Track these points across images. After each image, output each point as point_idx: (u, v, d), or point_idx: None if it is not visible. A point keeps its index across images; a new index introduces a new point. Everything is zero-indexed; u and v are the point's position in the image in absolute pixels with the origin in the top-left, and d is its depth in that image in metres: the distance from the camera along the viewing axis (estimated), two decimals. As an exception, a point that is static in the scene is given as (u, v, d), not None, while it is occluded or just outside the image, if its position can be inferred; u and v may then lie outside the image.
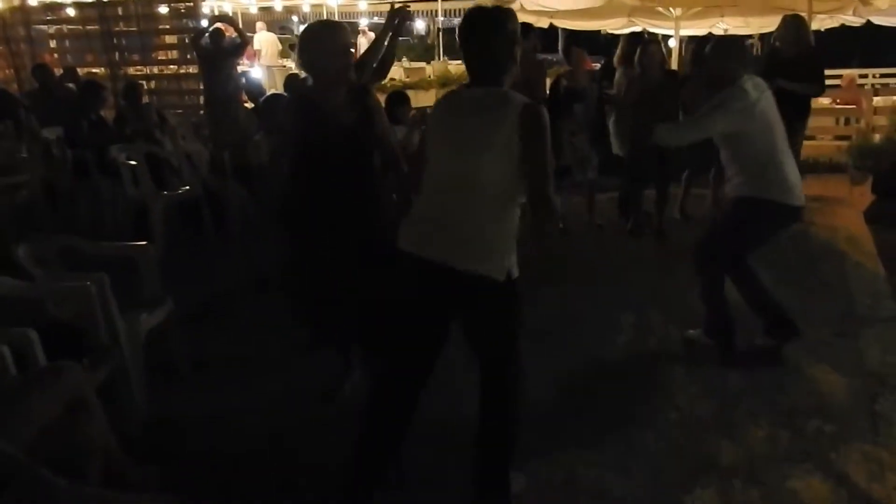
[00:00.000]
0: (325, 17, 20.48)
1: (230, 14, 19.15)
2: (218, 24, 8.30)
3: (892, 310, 4.58)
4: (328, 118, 3.09)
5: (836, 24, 12.26)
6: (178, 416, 3.44)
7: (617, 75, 6.77)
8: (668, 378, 3.76)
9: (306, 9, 21.37)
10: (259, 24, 17.79)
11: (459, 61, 15.98)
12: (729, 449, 3.09)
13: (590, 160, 6.35)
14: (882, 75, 14.96)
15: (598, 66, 9.19)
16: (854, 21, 11.66)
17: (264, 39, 16.29)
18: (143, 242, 3.92)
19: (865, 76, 14.77)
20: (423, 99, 15.89)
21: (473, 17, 2.48)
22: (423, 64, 19.56)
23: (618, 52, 6.86)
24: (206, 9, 15.12)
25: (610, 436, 3.21)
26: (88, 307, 3.26)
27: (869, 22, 11.82)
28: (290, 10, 22.35)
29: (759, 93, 3.73)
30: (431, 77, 17.81)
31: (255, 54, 15.81)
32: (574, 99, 6.19)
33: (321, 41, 3.12)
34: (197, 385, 3.76)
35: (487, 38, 2.41)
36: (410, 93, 16.16)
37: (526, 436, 3.14)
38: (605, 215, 6.75)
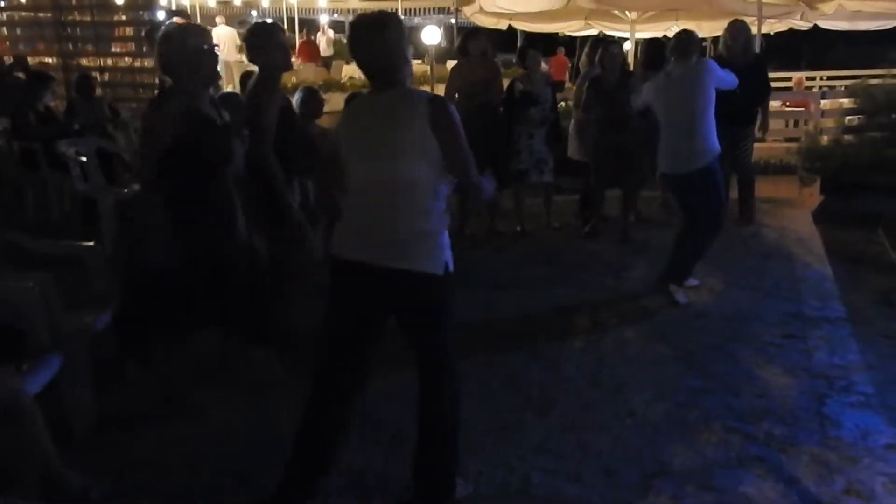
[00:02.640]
0: (283, 13, 20.20)
1: (187, 8, 18.82)
2: (174, 19, 8.06)
3: (839, 311, 4.62)
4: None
5: (784, 28, 12.47)
6: (127, 417, 3.31)
7: (579, 80, 6.74)
8: (622, 381, 3.72)
9: (266, 4, 21.05)
10: (218, 19, 17.43)
11: (419, 61, 16.06)
12: (683, 453, 3.06)
13: (546, 162, 6.32)
14: (829, 77, 15.29)
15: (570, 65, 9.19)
16: (802, 25, 11.87)
17: (223, 34, 15.92)
18: (91, 242, 3.74)
19: (813, 78, 15.08)
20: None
21: (356, 24, 2.54)
22: (382, 62, 19.47)
23: (583, 57, 6.84)
24: (163, 1, 14.80)
25: (565, 441, 3.16)
26: (30, 308, 3.09)
27: (816, 26, 12.03)
28: (249, 5, 21.98)
29: None
30: (391, 75, 17.74)
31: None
32: (529, 102, 6.16)
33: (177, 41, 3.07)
34: (147, 385, 3.60)
35: (374, 42, 2.45)
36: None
37: (481, 441, 3.11)
38: (561, 217, 6.73)
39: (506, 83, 6.44)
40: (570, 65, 17.53)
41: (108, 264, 3.76)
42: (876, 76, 10.53)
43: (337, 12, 24.84)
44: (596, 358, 4.01)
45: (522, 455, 3.04)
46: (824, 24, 12.49)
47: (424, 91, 2.46)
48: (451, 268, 2.51)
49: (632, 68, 10.57)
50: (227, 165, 3.18)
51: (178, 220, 3.05)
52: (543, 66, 10.79)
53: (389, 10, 2.87)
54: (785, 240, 6.11)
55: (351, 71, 17.39)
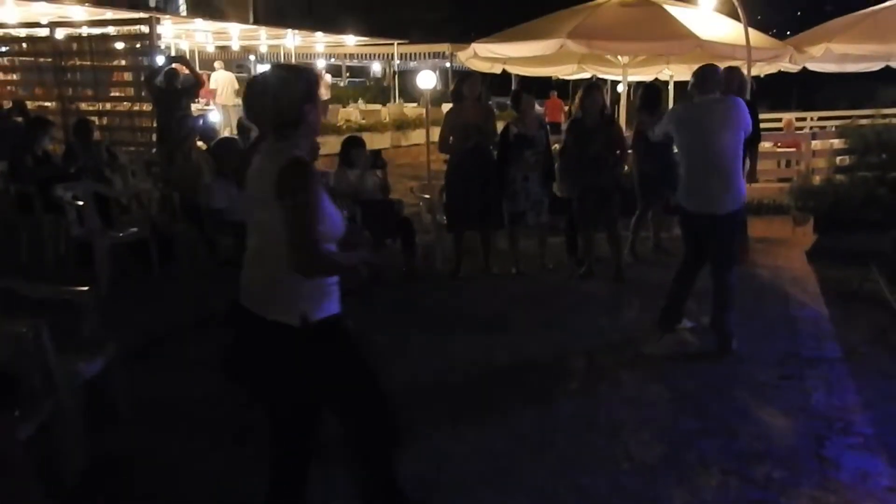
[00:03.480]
0: (281, 58, 20.48)
1: (187, 52, 19.09)
2: (173, 64, 8.16)
3: (836, 350, 4.61)
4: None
5: (774, 70, 12.65)
6: (120, 459, 3.29)
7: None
8: (619, 423, 3.69)
9: (263, 49, 21.36)
10: (217, 63, 17.65)
11: (415, 104, 16.33)
12: (681, 497, 3.02)
13: (542, 203, 6.38)
14: (819, 118, 15.48)
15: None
16: (791, 68, 12.04)
17: (221, 78, 16.15)
18: (85, 287, 3.73)
19: (804, 119, 15.26)
20: (378, 141, 15.92)
21: (257, 80, 2.45)
22: (378, 106, 19.66)
23: (576, 101, 6.90)
24: (162, 46, 15.02)
25: (561, 485, 3.12)
26: (24, 354, 3.08)
27: (805, 68, 12.20)
28: (247, 50, 22.30)
29: None
30: (387, 119, 17.90)
31: (212, 93, 15.62)
32: (524, 145, 6.23)
33: None
34: (141, 427, 3.58)
35: (269, 97, 2.36)
36: (366, 135, 16.22)
37: (476, 484, 3.07)
38: (555, 257, 6.75)
39: (500, 126, 6.51)
40: (564, 107, 17.79)
41: (101, 307, 3.74)
42: (865, 116, 10.69)
43: (334, 56, 25.23)
44: (592, 400, 3.99)
45: (518, 499, 3.00)
46: (813, 67, 12.66)
47: (294, 153, 2.31)
48: (313, 318, 2.35)
49: (625, 110, 10.82)
50: None
51: None
52: (538, 108, 10.96)
53: (301, 65, 2.70)
54: (780, 279, 6.12)
55: (346, 114, 17.62)
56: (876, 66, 13.55)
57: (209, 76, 15.57)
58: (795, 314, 5.33)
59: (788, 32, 18.84)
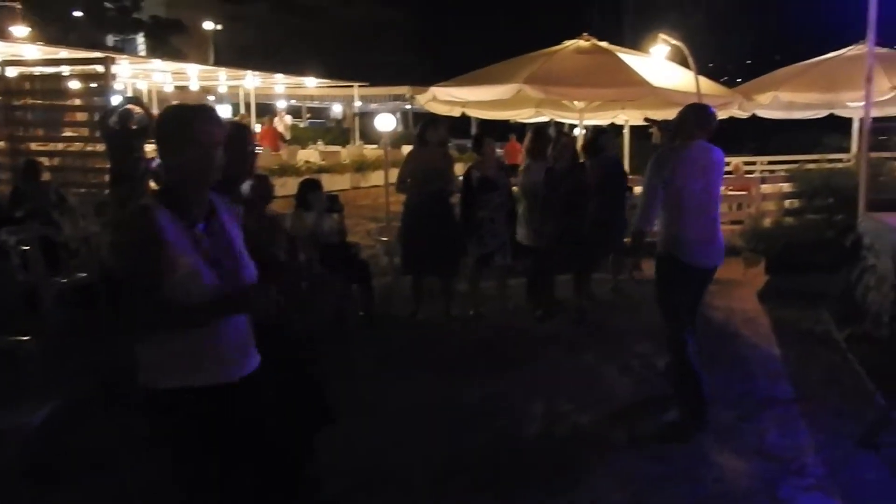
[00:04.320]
0: (241, 99, 20.48)
1: (144, 92, 18.95)
2: (128, 105, 8.06)
3: (789, 391, 4.68)
4: None
5: (725, 116, 13.05)
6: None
7: (523, 165, 6.88)
8: (581, 468, 3.68)
9: (223, 89, 21.33)
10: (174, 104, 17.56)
11: (375, 145, 16.38)
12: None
13: (508, 245, 6.47)
14: (770, 162, 15.97)
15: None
16: (741, 114, 12.42)
17: (178, 120, 16.03)
18: (27, 335, 3.61)
19: (753, 163, 15.73)
20: (338, 182, 15.95)
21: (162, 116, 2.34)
22: (338, 147, 19.74)
23: (526, 143, 7.01)
24: (119, 86, 14.88)
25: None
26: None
27: (754, 115, 12.60)
28: (206, 90, 22.26)
29: None
30: (347, 160, 17.96)
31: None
32: (487, 188, 6.30)
33: None
34: (85, 485, 3.43)
35: (166, 136, 2.23)
36: (325, 176, 16.20)
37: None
38: (515, 299, 6.77)
39: (459, 167, 6.59)
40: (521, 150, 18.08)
41: (47, 357, 3.61)
42: (812, 161, 11.08)
43: (294, 98, 25.32)
44: (554, 445, 3.97)
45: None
46: (762, 114, 13.10)
47: (142, 201, 2.19)
48: (155, 385, 2.18)
49: (583, 153, 11.02)
50: None
51: None
52: (498, 151, 11.10)
53: (200, 105, 2.41)
54: (733, 320, 6.22)
55: (306, 155, 17.62)
56: (821, 114, 14.09)
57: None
58: (748, 354, 5.42)
59: (739, 80, 19.45)
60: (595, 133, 7.60)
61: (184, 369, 2.17)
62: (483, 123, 16.10)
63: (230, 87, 21.10)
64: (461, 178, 7.29)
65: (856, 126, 12.41)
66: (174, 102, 17.94)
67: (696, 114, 4.32)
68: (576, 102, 10.62)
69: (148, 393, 2.17)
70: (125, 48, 29.05)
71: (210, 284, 2.16)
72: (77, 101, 10.13)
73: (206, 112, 2.27)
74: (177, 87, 21.09)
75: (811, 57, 13.24)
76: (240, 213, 2.62)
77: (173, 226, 2.13)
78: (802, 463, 3.71)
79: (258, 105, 20.89)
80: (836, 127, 16.08)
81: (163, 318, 2.11)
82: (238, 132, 3.02)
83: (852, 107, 12.10)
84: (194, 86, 20.26)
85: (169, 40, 29.33)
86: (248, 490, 2.32)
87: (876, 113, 11.01)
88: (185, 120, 2.20)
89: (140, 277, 2.09)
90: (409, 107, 23.13)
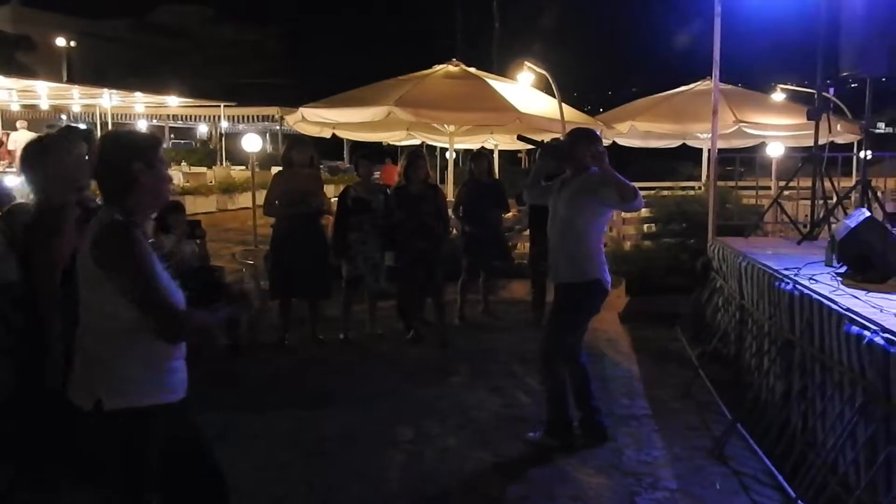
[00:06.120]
0: (97, 118, 19.45)
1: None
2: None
3: (645, 408, 4.91)
4: None
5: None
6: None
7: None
8: (445, 493, 3.68)
9: (76, 108, 20.19)
10: (20, 123, 16.41)
11: (243, 167, 15.93)
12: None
13: (380, 268, 6.42)
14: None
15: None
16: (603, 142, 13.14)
17: (22, 139, 15.00)
18: None
19: (614, 190, 16.60)
20: (203, 204, 15.43)
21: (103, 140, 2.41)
22: (204, 169, 19.13)
23: (401, 166, 7.07)
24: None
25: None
26: None
27: (614, 142, 13.30)
28: (59, 109, 20.99)
29: None
30: (213, 182, 17.42)
31: (11, 154, 14.45)
32: (363, 208, 6.28)
33: None
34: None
35: (99, 160, 2.27)
36: (189, 199, 15.62)
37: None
38: (386, 323, 6.75)
39: (330, 189, 6.53)
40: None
41: None
42: (667, 188, 11.82)
43: (156, 118, 24.31)
44: (419, 471, 3.95)
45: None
46: (621, 142, 13.87)
47: (113, 216, 2.16)
48: (111, 406, 2.16)
49: (453, 176, 11.23)
50: None
51: None
52: (376, 174, 11.10)
53: (124, 132, 2.66)
54: (595, 340, 6.47)
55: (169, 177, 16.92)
56: (674, 143, 15.10)
57: (8, 136, 14.44)
58: (610, 373, 5.64)
59: (601, 109, 20.53)
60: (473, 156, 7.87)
61: (158, 385, 2.22)
62: (361, 145, 16.07)
63: (85, 106, 20.00)
64: (335, 199, 7.26)
65: (705, 155, 13.34)
66: (19, 122, 16.81)
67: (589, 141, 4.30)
68: (446, 126, 10.82)
69: (107, 414, 2.13)
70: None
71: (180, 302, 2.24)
72: None
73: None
74: (24, 106, 19.78)
75: (665, 89, 14.19)
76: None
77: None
78: (657, 477, 3.87)
79: (115, 125, 19.91)
80: (688, 156, 17.28)
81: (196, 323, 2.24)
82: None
83: (702, 138, 13.06)
84: (45, 104, 19.07)
85: (14, 56, 27.47)
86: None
87: (722, 145, 11.96)
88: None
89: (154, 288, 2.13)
90: (279, 128, 22.75)
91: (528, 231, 7.77)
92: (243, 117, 23.25)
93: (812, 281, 4.41)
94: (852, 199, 6.75)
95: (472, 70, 10.97)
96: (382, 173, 21.81)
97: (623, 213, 10.36)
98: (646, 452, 4.17)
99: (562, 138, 7.15)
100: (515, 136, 5.13)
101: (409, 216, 6.25)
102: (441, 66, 10.87)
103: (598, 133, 4.61)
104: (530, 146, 4.79)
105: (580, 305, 4.29)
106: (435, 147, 14.44)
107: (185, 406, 2.33)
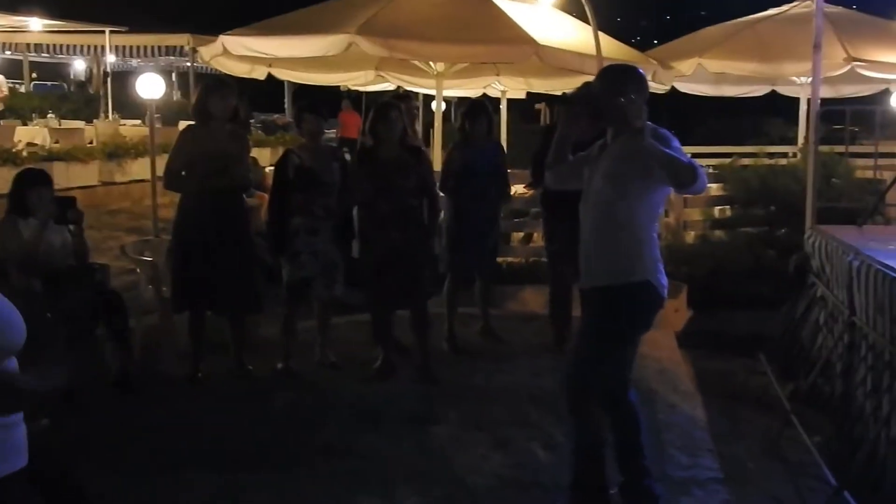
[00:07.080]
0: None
1: None
2: None
3: (714, 469, 4.94)
4: None
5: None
6: None
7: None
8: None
9: None
10: None
11: (138, 121, 16.03)
12: None
13: (336, 267, 6.41)
14: (693, 155, 16.94)
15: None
16: (657, 88, 13.14)
17: None
18: None
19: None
20: (80, 176, 15.35)
21: None
22: (81, 123, 19.06)
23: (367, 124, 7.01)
24: None
25: None
26: None
27: (674, 89, 13.36)
28: None
29: None
30: (94, 143, 17.35)
31: None
32: (310, 182, 6.24)
33: None
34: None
35: None
36: (61, 166, 15.59)
37: None
38: (343, 346, 6.76)
39: (268, 154, 6.51)
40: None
41: None
42: (749, 155, 11.80)
43: (10, 48, 24.20)
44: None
45: None
46: (684, 88, 13.93)
47: None
48: None
49: (440, 135, 11.20)
50: None
51: None
52: (328, 132, 11.00)
53: None
54: (643, 372, 6.49)
55: (30, 135, 16.87)
56: (759, 91, 15.14)
57: None
58: (663, 419, 5.68)
59: (656, 42, 20.58)
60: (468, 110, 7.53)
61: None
62: (307, 92, 15.98)
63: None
64: (271, 168, 7.21)
65: (803, 109, 13.40)
66: None
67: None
68: (432, 64, 10.82)
69: None
70: None
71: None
72: None
73: None
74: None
75: (747, 13, 14.23)
76: None
77: None
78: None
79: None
80: (779, 109, 17.32)
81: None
82: None
83: (798, 83, 13.12)
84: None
85: None
86: None
87: (829, 93, 12.01)
88: None
89: None
90: (190, 64, 22.70)
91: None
92: (138, 49, 23.16)
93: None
94: None
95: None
96: (340, 122, 21.77)
97: (685, 191, 10.46)
98: (714, 533, 4.23)
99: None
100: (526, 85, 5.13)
101: (379, 193, 6.23)
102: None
103: (642, 72, 4.54)
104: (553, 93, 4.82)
105: (627, 318, 4.28)
106: (416, 94, 14.44)
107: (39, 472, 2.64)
